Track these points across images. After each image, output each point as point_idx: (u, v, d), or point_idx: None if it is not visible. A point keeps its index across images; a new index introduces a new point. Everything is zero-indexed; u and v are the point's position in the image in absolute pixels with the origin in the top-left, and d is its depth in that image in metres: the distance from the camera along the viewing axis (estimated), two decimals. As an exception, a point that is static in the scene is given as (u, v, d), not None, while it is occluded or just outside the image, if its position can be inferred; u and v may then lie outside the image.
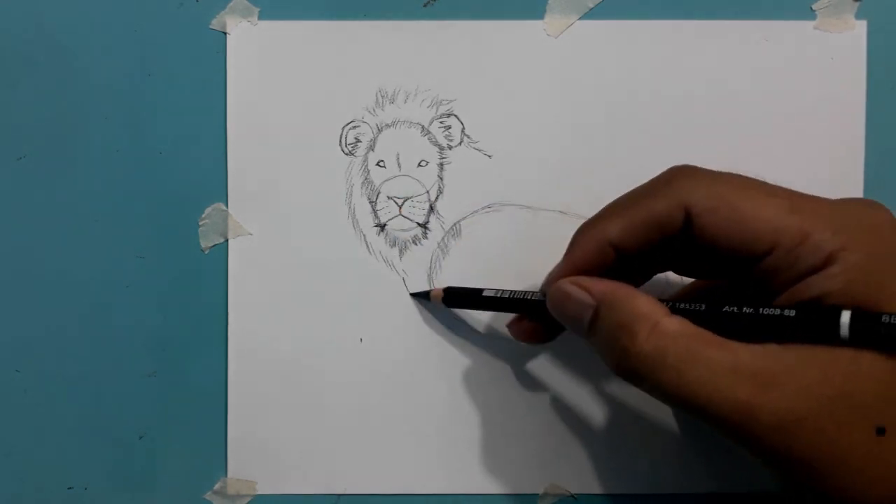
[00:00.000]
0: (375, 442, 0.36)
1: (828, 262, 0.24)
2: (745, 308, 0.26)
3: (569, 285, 0.28)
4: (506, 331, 0.36)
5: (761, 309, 0.25)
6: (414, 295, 0.36)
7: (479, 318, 0.36)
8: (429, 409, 0.36)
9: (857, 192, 0.35)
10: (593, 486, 0.36)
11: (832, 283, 0.24)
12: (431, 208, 0.36)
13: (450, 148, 0.36)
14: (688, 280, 0.33)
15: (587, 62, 0.36)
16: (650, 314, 0.26)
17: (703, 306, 0.27)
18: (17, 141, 0.36)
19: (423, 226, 0.36)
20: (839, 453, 0.23)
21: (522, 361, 0.36)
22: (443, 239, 0.36)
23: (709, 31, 0.36)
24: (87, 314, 0.36)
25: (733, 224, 0.26)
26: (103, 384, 0.36)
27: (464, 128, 0.36)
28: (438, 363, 0.36)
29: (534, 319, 0.32)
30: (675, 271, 0.30)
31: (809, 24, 0.35)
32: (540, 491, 0.36)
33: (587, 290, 0.28)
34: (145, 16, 0.36)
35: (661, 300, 0.27)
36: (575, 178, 0.36)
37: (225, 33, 0.36)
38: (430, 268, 0.36)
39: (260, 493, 0.36)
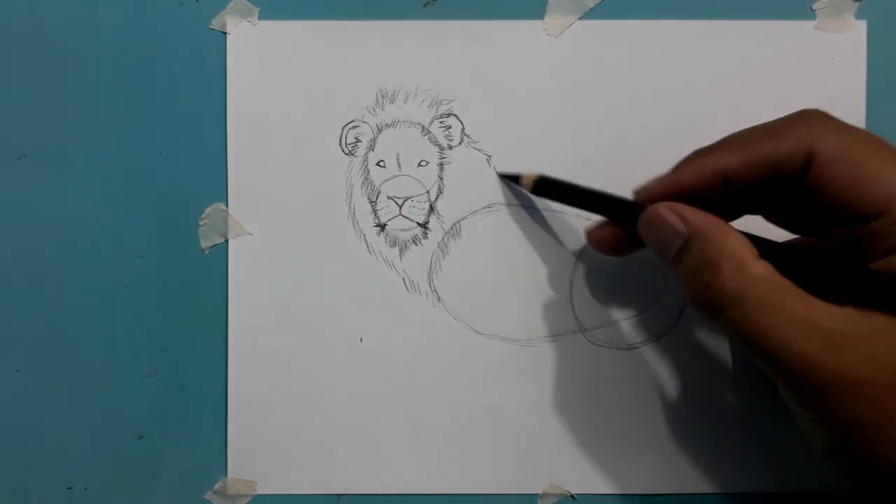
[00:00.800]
0: (375, 442, 0.36)
1: None
2: (832, 266, 0.26)
3: (665, 210, 0.28)
4: (506, 331, 0.36)
5: (848, 269, 0.26)
6: (502, 176, 0.35)
7: (480, 318, 0.36)
8: (428, 409, 0.36)
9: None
10: (593, 486, 0.36)
11: None
12: (431, 208, 0.36)
13: (450, 148, 0.36)
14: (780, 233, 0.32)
15: (587, 62, 0.36)
16: (739, 254, 0.26)
17: (793, 256, 0.27)
18: (17, 141, 0.36)
19: (423, 226, 0.36)
20: (890, 423, 0.24)
21: (523, 362, 0.36)
22: (443, 239, 0.36)
23: (709, 31, 0.36)
24: (87, 314, 0.36)
25: (852, 179, 0.26)
26: (103, 384, 0.36)
27: (464, 128, 0.36)
28: (438, 363, 0.36)
29: (618, 224, 0.31)
30: (771, 218, 0.30)
31: (809, 24, 0.35)
32: (540, 491, 0.36)
33: (683, 218, 0.28)
34: (145, 16, 0.36)
35: (754, 240, 0.27)
36: (575, 177, 0.36)
37: (225, 33, 0.36)
38: (430, 268, 0.36)
39: (260, 493, 0.36)
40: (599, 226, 0.32)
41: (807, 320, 0.24)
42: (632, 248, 0.32)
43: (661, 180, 0.29)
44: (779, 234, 0.31)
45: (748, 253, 0.26)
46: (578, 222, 0.36)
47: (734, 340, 0.27)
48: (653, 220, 0.28)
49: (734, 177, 0.28)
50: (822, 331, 0.24)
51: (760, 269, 0.26)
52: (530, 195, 0.35)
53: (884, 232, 0.25)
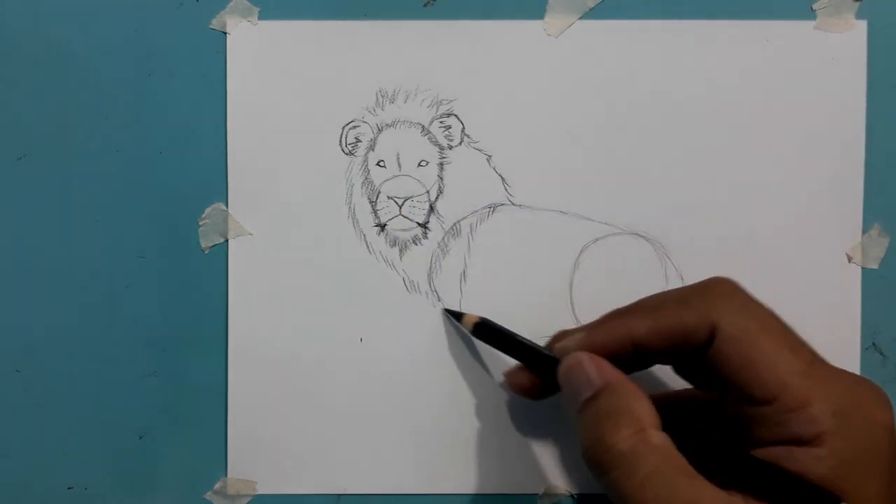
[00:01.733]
0: (375, 442, 0.36)
1: (817, 440, 0.25)
2: (722, 448, 0.27)
3: (586, 358, 0.29)
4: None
5: (736, 455, 0.26)
6: (446, 311, 0.36)
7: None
8: (428, 409, 0.36)
9: (856, 191, 0.35)
10: (593, 486, 0.36)
11: (817, 465, 0.25)
12: (431, 208, 0.36)
13: (450, 148, 0.36)
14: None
15: (587, 62, 0.36)
16: (642, 418, 0.26)
17: (691, 430, 0.27)
18: (17, 141, 0.36)
19: (423, 226, 0.36)
20: None
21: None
22: (443, 239, 0.36)
23: (709, 31, 0.36)
24: (87, 314, 0.36)
25: (747, 361, 0.26)
26: (103, 384, 0.36)
27: (464, 128, 0.36)
28: (438, 363, 0.36)
29: (535, 372, 0.32)
30: (679, 372, 0.31)
31: (809, 24, 0.35)
32: (539, 491, 0.36)
33: (600, 370, 0.28)
34: (145, 15, 0.36)
35: (661, 403, 0.27)
36: (575, 178, 0.36)
37: (225, 33, 0.36)
38: (430, 268, 0.36)
39: (260, 493, 0.36)
40: (517, 370, 0.33)
41: (692, 501, 0.24)
42: (544, 395, 0.32)
43: (577, 339, 0.30)
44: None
45: (652, 420, 0.26)
46: (579, 223, 0.36)
47: (615, 502, 0.27)
48: (572, 367, 0.29)
49: (642, 343, 0.28)
50: None
51: (658, 439, 0.26)
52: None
53: (771, 419, 0.26)
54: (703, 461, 0.26)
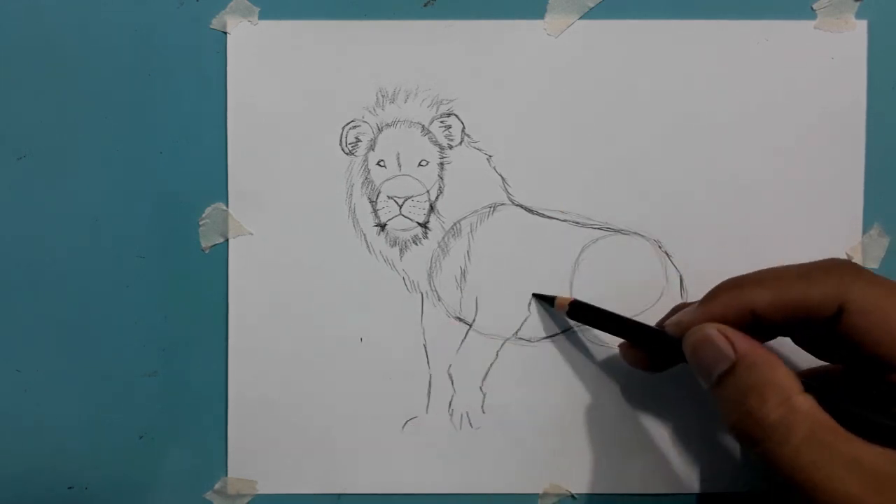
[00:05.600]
0: (376, 442, 0.36)
1: None
2: (874, 415, 0.27)
3: (714, 331, 0.28)
4: (506, 330, 0.36)
5: (885, 420, 0.26)
6: (537, 296, 0.36)
7: (480, 318, 0.36)
8: (429, 409, 0.36)
9: (856, 191, 0.35)
10: (593, 486, 0.36)
11: None
12: (432, 208, 0.36)
13: (450, 147, 0.36)
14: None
15: (587, 62, 0.36)
16: (786, 386, 0.26)
17: (840, 399, 0.27)
18: (17, 141, 0.36)
19: (424, 225, 0.36)
20: None
21: (522, 361, 0.36)
22: (443, 239, 0.36)
23: (709, 31, 0.36)
24: (87, 314, 0.36)
25: (883, 331, 0.26)
26: (103, 384, 0.36)
27: (464, 127, 0.36)
28: (438, 363, 0.36)
29: (646, 349, 0.32)
30: (800, 344, 0.31)
31: (809, 24, 0.35)
32: (540, 491, 0.36)
33: (731, 342, 0.28)
34: (145, 16, 0.36)
35: (799, 374, 0.27)
36: (575, 178, 0.36)
37: (225, 33, 0.36)
38: (430, 267, 0.36)
39: (260, 492, 0.36)
40: (627, 346, 0.33)
41: (852, 460, 0.25)
42: (665, 367, 0.32)
43: (692, 313, 0.30)
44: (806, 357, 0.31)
45: (795, 386, 0.26)
46: (579, 223, 0.36)
47: (769, 470, 0.27)
48: (700, 342, 0.29)
49: (764, 315, 0.28)
50: (867, 472, 0.24)
51: (806, 403, 0.26)
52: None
53: None
54: (849, 424, 0.26)
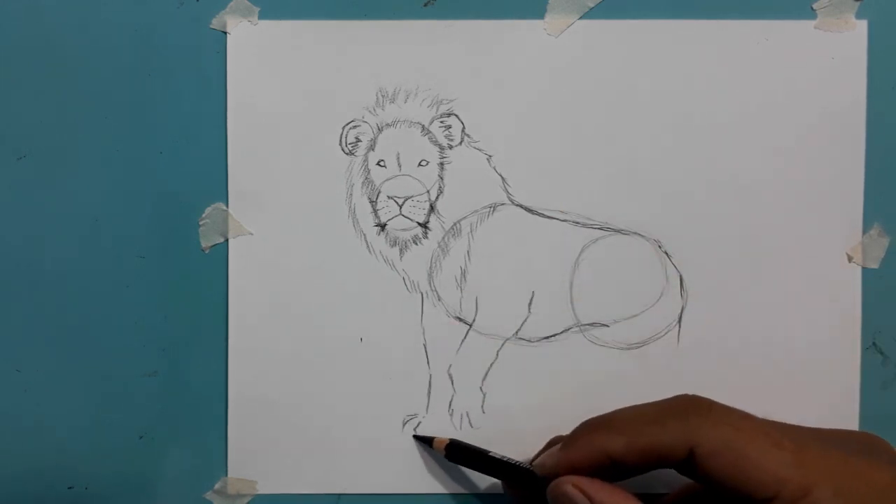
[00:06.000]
0: (375, 442, 0.36)
1: None
2: None
3: (571, 488, 0.29)
4: (506, 331, 0.36)
5: None
6: (416, 437, 0.36)
7: (480, 318, 0.36)
8: (429, 409, 0.36)
9: (856, 191, 0.35)
10: (593, 486, 0.36)
11: None
12: (432, 208, 0.36)
13: (450, 147, 0.36)
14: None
15: (587, 62, 0.36)
16: None
17: None
18: (17, 141, 0.36)
19: (424, 225, 0.36)
20: None
21: (523, 361, 0.36)
22: (443, 239, 0.36)
23: (709, 31, 0.36)
24: (87, 314, 0.36)
25: (737, 470, 0.26)
26: (103, 384, 0.36)
27: (464, 127, 0.36)
28: (438, 363, 0.36)
29: (516, 486, 0.32)
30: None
31: (809, 24, 0.35)
32: (540, 491, 0.36)
33: (589, 496, 0.28)
34: (145, 15, 0.36)
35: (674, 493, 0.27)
36: (575, 178, 0.36)
37: (225, 33, 0.36)
38: (430, 267, 0.36)
39: (260, 492, 0.36)
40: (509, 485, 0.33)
41: None
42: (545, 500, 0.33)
43: (554, 457, 0.30)
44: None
45: None
46: (579, 223, 0.36)
47: None
48: (559, 498, 0.29)
49: (621, 460, 0.28)
50: None
51: None
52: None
53: None
54: None
